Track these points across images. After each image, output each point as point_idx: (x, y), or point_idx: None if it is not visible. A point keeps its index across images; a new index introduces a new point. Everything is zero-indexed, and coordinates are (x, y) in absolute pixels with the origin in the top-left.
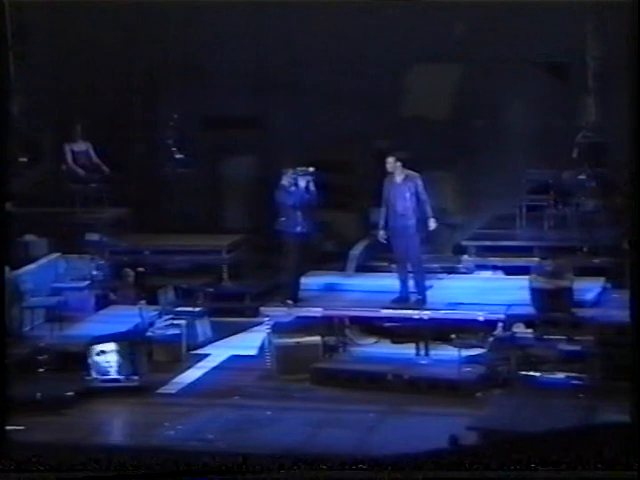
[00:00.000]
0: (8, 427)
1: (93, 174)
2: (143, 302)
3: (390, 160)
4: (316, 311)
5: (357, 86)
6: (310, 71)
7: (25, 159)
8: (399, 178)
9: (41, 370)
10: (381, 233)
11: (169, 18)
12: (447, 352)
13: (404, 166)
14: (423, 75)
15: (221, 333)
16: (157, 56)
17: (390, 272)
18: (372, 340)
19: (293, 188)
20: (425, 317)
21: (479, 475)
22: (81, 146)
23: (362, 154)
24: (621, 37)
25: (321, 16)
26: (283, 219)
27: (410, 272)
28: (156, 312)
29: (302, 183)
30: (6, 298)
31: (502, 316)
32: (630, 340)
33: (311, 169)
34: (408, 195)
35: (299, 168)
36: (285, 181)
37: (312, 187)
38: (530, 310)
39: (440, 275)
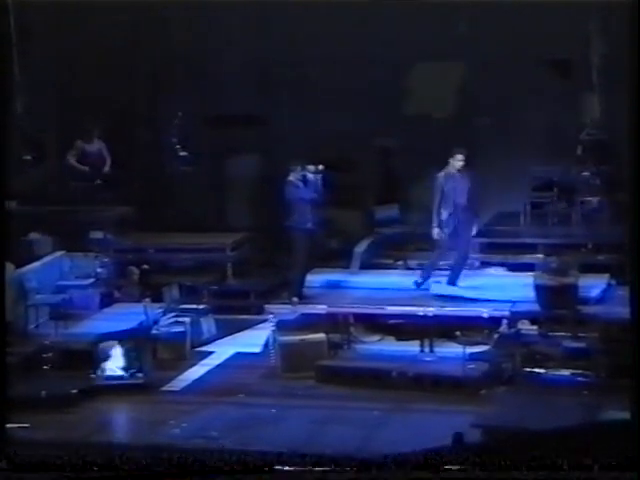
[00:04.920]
0: (12, 425)
1: (97, 172)
2: (148, 300)
3: (459, 157)
4: (321, 308)
5: (361, 84)
6: (313, 69)
7: (29, 157)
8: (460, 174)
9: (45, 368)
10: (436, 231)
11: (173, 17)
12: (452, 349)
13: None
14: (427, 73)
15: (225, 331)
16: (161, 54)
17: (395, 269)
18: (376, 337)
19: (304, 185)
20: (429, 314)
21: (482, 474)
22: (93, 146)
23: (366, 152)
24: (625, 35)
25: (325, 14)
26: (295, 215)
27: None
28: (161, 310)
29: (312, 180)
30: (11, 296)
31: (507, 313)
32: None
33: (321, 167)
34: (467, 190)
35: (309, 166)
36: (294, 178)
37: (322, 184)
38: (535, 307)
39: (445, 272)
